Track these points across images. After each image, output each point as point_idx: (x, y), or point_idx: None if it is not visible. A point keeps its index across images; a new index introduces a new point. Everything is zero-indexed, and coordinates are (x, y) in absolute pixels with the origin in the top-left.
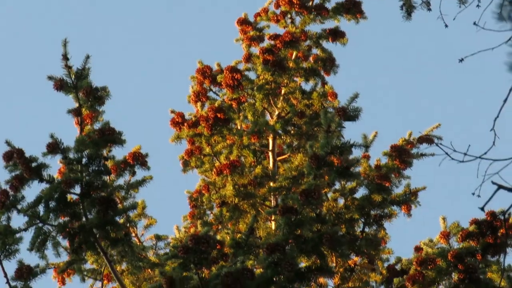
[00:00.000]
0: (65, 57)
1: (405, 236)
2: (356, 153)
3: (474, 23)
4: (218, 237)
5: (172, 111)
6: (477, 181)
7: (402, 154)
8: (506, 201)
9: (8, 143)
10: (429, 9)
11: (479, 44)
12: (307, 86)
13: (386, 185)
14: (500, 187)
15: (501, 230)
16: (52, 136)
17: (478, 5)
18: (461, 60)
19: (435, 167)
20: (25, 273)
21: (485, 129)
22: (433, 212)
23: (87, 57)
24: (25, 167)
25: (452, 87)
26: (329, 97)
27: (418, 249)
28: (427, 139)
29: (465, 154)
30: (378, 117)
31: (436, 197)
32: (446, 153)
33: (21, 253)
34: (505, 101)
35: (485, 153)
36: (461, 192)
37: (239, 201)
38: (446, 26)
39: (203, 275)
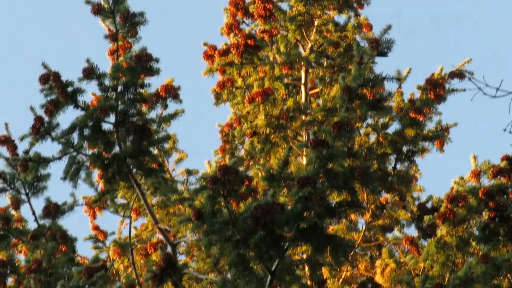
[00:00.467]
0: None
1: (437, 174)
2: (390, 87)
3: None
4: (251, 173)
5: (205, 44)
6: (509, 116)
7: (437, 88)
8: None
9: (44, 65)
10: None
11: None
12: (340, 19)
13: (420, 119)
14: None
15: None
16: (88, 61)
17: None
18: None
19: (466, 103)
20: (53, 210)
21: None
22: (464, 149)
23: None
24: (61, 90)
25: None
26: (364, 29)
27: (452, 188)
28: (458, 74)
29: (497, 89)
30: (410, 51)
31: (468, 134)
32: (479, 88)
33: (49, 190)
34: None
35: None
36: (493, 128)
37: (271, 132)
38: None
39: (232, 208)
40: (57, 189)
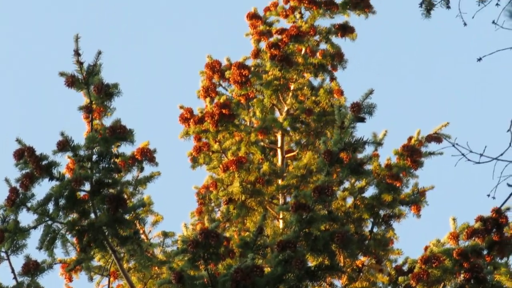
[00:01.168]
0: (77, 53)
1: (414, 237)
2: (366, 151)
3: (493, 22)
4: (227, 234)
5: (181, 107)
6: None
7: (414, 154)
8: None
9: (19, 141)
10: (448, 7)
11: (497, 43)
12: (316, 82)
13: (397, 185)
14: None
15: (510, 231)
16: (62, 134)
17: (497, 4)
18: (479, 59)
19: (445, 166)
20: (32, 268)
21: (501, 130)
22: (441, 211)
23: (99, 53)
24: (35, 165)
25: (468, 86)
26: (335, 94)
27: (427, 249)
28: (435, 137)
29: (481, 155)
30: (387, 114)
31: (445, 196)
32: (462, 154)
33: (29, 248)
34: None
35: (502, 154)
36: (471, 191)
37: (246, 198)
38: (465, 24)
39: (212, 271)
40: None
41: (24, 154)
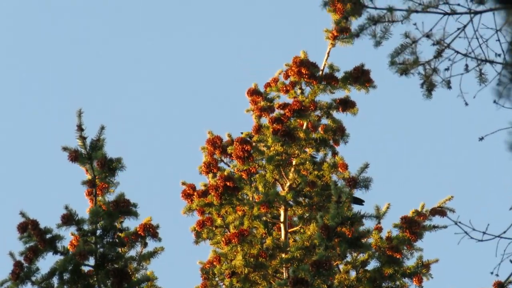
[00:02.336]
0: (80, 128)
1: None
2: (369, 224)
3: (494, 101)
4: None
5: (183, 183)
6: (495, 259)
7: (413, 226)
8: None
9: (22, 214)
10: (449, 87)
11: (499, 122)
12: (318, 157)
13: (397, 257)
14: None
15: None
16: (66, 208)
17: (498, 84)
18: (481, 139)
19: (449, 239)
20: None
21: (504, 208)
22: (445, 285)
23: (102, 128)
24: (39, 238)
25: (471, 165)
26: (339, 168)
27: None
28: (439, 211)
29: (484, 233)
30: (391, 187)
31: (450, 268)
32: (465, 232)
33: None
34: None
35: (505, 232)
36: (474, 267)
37: (250, 272)
38: (466, 104)
39: None
40: None
41: (28, 227)
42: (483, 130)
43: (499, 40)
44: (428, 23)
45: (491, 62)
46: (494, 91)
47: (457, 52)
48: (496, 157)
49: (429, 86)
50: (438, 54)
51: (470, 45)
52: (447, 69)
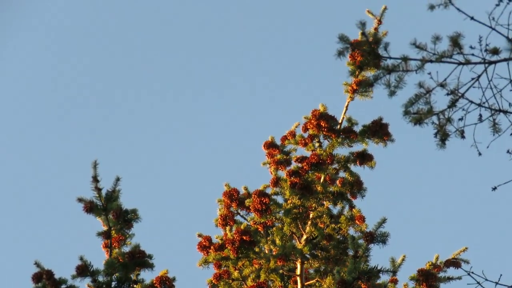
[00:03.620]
0: (95, 179)
1: None
2: (384, 277)
3: (508, 151)
4: None
5: (200, 235)
6: None
7: (429, 279)
8: None
9: (37, 264)
10: (463, 137)
11: None
12: (335, 210)
13: None
14: None
15: None
16: (81, 259)
17: (511, 134)
18: (494, 188)
19: None
20: None
21: None
22: None
23: (117, 179)
24: None
25: (483, 215)
26: (356, 221)
27: None
28: (454, 262)
29: (497, 283)
30: (406, 239)
31: None
32: (478, 282)
33: None
34: None
35: None
36: None
37: None
38: (480, 154)
39: None
40: None
41: (43, 278)
42: (496, 180)
43: None
44: (442, 73)
45: (505, 112)
46: None
47: (471, 102)
48: (510, 207)
49: (443, 136)
50: (452, 104)
51: (484, 95)
52: (461, 119)
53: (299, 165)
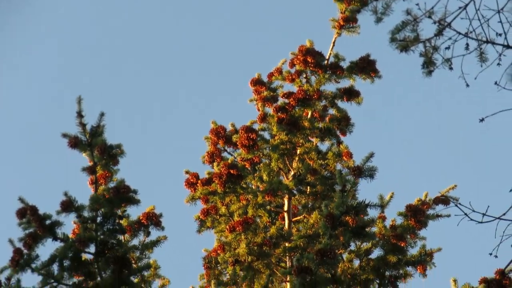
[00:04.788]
0: (80, 115)
1: None
2: (373, 213)
3: (495, 83)
4: None
5: (187, 172)
6: (494, 240)
7: (417, 214)
8: None
9: (21, 200)
10: (451, 68)
11: (500, 103)
12: (323, 146)
13: (402, 245)
14: None
15: None
16: (66, 194)
17: (499, 64)
18: (482, 120)
19: (452, 227)
20: None
21: (504, 190)
22: (449, 273)
23: (102, 114)
24: (38, 224)
25: (471, 146)
26: (344, 157)
27: None
28: (443, 200)
29: (484, 214)
30: (395, 176)
31: (453, 257)
32: (465, 214)
33: None
34: None
35: (504, 214)
36: (477, 252)
37: (253, 260)
38: (467, 85)
39: None
40: None
41: (27, 213)
42: (483, 112)
43: (500, 21)
44: (430, 1)
45: (493, 42)
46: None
47: (458, 33)
48: (497, 139)
49: (429, 64)
50: (439, 33)
51: (471, 24)
52: (447, 48)
53: (286, 100)
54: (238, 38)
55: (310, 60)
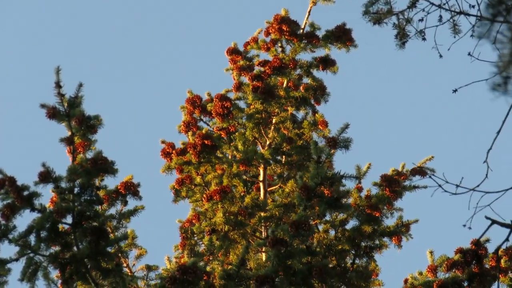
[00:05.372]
0: (58, 85)
1: (397, 269)
2: (349, 184)
3: (469, 54)
4: (208, 268)
5: (163, 142)
6: (468, 212)
7: (392, 184)
8: (496, 232)
9: (0, 171)
10: (424, 39)
11: (473, 74)
12: (298, 115)
13: (376, 215)
14: (493, 222)
15: (490, 263)
16: (44, 165)
17: (472, 35)
18: (455, 91)
19: (428, 199)
20: None
21: (478, 161)
22: (425, 244)
23: (80, 85)
24: (16, 195)
25: (445, 117)
26: (319, 126)
27: (407, 282)
28: (419, 171)
29: (457, 186)
30: (371, 147)
31: (429, 229)
32: (439, 185)
33: (10, 285)
34: (498, 133)
35: (478, 186)
36: (452, 223)
37: (229, 230)
38: (441, 56)
39: None
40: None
41: (5, 184)
42: (457, 83)
43: None
44: None
45: (466, 14)
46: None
47: (431, 4)
48: (471, 110)
49: (402, 37)
50: (412, 5)
51: None
52: (421, 20)
53: (262, 69)
54: (214, 7)
55: (285, 29)
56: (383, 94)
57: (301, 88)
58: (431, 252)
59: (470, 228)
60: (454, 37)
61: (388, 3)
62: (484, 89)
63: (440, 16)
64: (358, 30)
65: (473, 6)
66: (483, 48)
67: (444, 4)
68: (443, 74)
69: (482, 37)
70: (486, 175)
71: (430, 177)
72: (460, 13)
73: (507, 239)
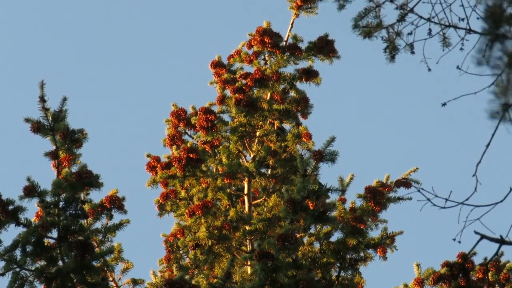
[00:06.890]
0: (42, 99)
1: (382, 281)
2: (333, 196)
3: (458, 67)
4: (194, 282)
5: (148, 155)
6: (457, 226)
7: (376, 196)
8: (484, 245)
9: None
10: (413, 52)
11: (462, 88)
12: (286, 128)
13: (361, 227)
14: (483, 236)
15: (477, 275)
16: (29, 179)
17: (461, 49)
18: (444, 104)
19: (414, 211)
20: None
21: (467, 175)
22: (411, 256)
23: (64, 99)
24: (1, 209)
25: (434, 131)
26: (303, 138)
27: None
28: (404, 182)
29: (446, 199)
30: (356, 159)
31: (414, 241)
32: (428, 199)
33: None
34: (487, 146)
35: (467, 199)
36: (439, 236)
37: (214, 244)
38: (429, 69)
39: None
40: None
41: None
42: (446, 96)
43: (462, 5)
44: None
45: (455, 27)
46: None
47: (420, 17)
48: (459, 123)
49: (392, 50)
50: (401, 18)
51: (433, 9)
52: (410, 33)
53: (244, 81)
54: (198, 20)
55: (267, 41)
56: (368, 105)
57: (288, 100)
58: (417, 265)
59: (459, 242)
60: (443, 50)
61: (377, 17)
62: (472, 102)
63: (430, 29)
64: (342, 42)
65: (463, 19)
66: (472, 61)
67: (434, 17)
68: (431, 86)
69: (481, 62)
70: (475, 188)
71: (418, 190)
72: (450, 26)
73: (496, 254)
